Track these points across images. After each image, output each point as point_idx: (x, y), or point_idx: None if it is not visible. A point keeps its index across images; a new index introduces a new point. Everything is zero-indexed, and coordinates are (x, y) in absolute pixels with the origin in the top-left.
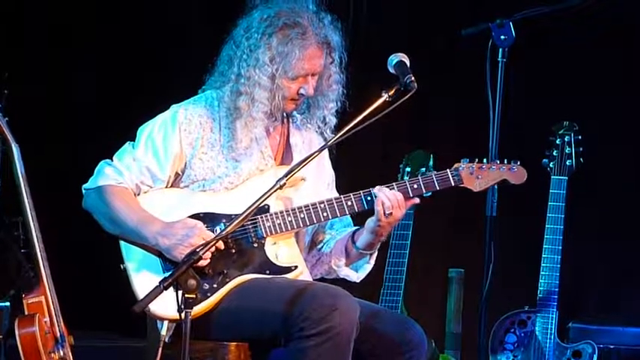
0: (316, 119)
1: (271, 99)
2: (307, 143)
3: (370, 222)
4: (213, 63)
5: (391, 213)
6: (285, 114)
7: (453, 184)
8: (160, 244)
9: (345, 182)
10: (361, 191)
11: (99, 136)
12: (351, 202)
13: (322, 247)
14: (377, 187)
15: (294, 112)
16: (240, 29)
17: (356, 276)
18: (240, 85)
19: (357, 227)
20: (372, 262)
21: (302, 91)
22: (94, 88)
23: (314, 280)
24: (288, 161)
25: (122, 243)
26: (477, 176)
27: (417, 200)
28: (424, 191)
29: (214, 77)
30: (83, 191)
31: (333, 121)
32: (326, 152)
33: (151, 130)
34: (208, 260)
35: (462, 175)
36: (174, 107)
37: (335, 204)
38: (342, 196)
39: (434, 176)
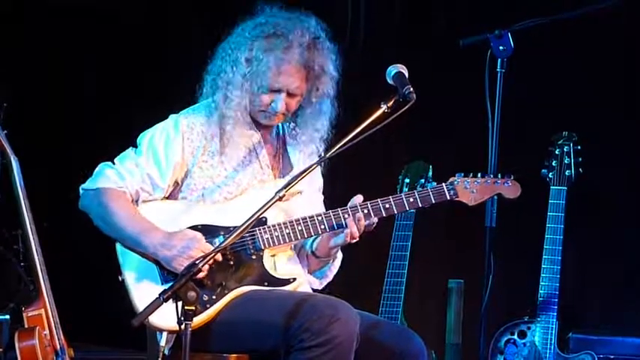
0: (305, 139)
1: (241, 99)
2: (304, 153)
3: (338, 239)
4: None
5: (355, 234)
6: (283, 125)
7: (448, 198)
8: (160, 255)
9: (343, 193)
10: (358, 205)
11: (99, 148)
12: (349, 214)
13: None
14: (387, 202)
15: (290, 124)
16: (239, 28)
17: (318, 283)
18: (219, 79)
19: (313, 238)
20: (335, 267)
21: (273, 104)
22: (94, 96)
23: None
24: (287, 171)
25: (119, 253)
26: (472, 190)
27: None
28: (420, 205)
29: (209, 75)
30: (81, 191)
31: (320, 148)
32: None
33: (154, 137)
34: (206, 272)
35: (457, 189)
36: (174, 116)
37: (332, 217)
38: (339, 209)
39: (430, 190)
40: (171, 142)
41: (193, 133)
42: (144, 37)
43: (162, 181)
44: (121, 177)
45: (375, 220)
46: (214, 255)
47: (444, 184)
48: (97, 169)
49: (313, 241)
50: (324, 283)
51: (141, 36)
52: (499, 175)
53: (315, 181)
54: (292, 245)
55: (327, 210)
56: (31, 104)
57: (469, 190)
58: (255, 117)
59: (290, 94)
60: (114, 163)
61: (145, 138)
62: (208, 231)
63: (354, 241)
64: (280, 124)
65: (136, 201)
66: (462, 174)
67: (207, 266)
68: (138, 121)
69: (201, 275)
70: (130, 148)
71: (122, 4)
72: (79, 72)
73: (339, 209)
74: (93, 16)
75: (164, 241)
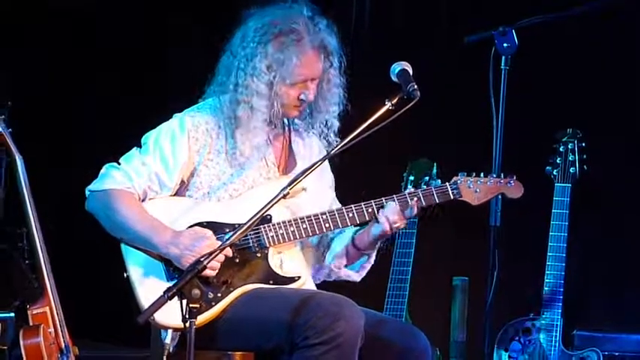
0: (319, 123)
1: (270, 107)
2: (309, 148)
3: (375, 229)
4: (212, 73)
5: (398, 226)
6: (287, 121)
7: (452, 198)
8: (171, 253)
9: (347, 191)
10: (362, 203)
11: (102, 147)
12: (353, 213)
13: (324, 259)
14: (391, 200)
15: (295, 120)
16: (236, 39)
17: (357, 275)
18: (239, 94)
19: (356, 229)
20: (372, 260)
21: (302, 96)
22: (97, 95)
23: (316, 284)
24: (292, 167)
25: (124, 250)
26: (476, 190)
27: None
28: (424, 204)
29: (213, 87)
30: (87, 193)
31: (335, 124)
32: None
33: (160, 136)
34: (217, 270)
35: (460, 189)
36: (179, 115)
37: (337, 215)
38: (343, 208)
39: (433, 190)
40: (178, 141)
41: (198, 131)
42: (144, 37)
43: (170, 179)
44: (129, 177)
45: (413, 211)
46: (219, 252)
47: (447, 183)
48: (102, 170)
49: (355, 232)
50: (363, 274)
51: (141, 36)
52: (502, 175)
53: (323, 178)
54: (297, 243)
55: (340, 206)
56: (36, 103)
57: (472, 189)
58: (287, 113)
59: (312, 80)
60: (119, 164)
61: (151, 137)
62: (214, 228)
63: (394, 230)
64: (286, 120)
65: (143, 200)
66: (465, 173)
67: (217, 264)
68: (141, 120)
69: (211, 273)
70: (135, 148)
71: (122, 4)
72: (81, 71)
73: (343, 208)
74: (94, 16)
75: (174, 239)
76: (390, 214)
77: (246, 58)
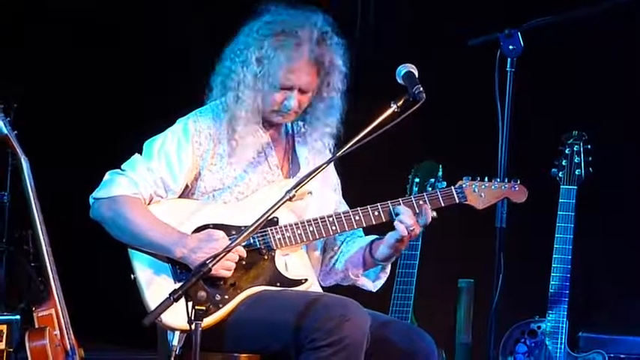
0: (316, 136)
1: (254, 99)
2: (313, 152)
3: (391, 237)
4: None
5: (414, 231)
6: (290, 125)
7: (457, 202)
8: (185, 257)
9: (353, 194)
10: (368, 206)
11: (106, 148)
12: (359, 216)
13: (334, 263)
14: (397, 203)
15: (299, 123)
16: (246, 28)
17: (373, 285)
18: (230, 80)
19: (374, 237)
20: (387, 271)
21: (286, 103)
22: (96, 97)
23: (327, 286)
24: (295, 171)
25: (131, 253)
26: (480, 194)
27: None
28: (430, 207)
29: (216, 76)
30: (91, 200)
31: (330, 142)
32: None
33: (164, 141)
34: (231, 271)
35: (466, 193)
36: (182, 120)
37: (343, 218)
38: (350, 211)
39: (439, 193)
40: (182, 146)
41: (201, 136)
42: (144, 37)
43: (175, 184)
44: (134, 183)
45: (427, 217)
46: (224, 255)
47: (453, 187)
48: (106, 176)
49: (372, 240)
50: (379, 285)
51: (141, 36)
52: (506, 180)
53: (328, 181)
54: (303, 246)
55: (347, 209)
56: (41, 105)
57: (477, 194)
58: (268, 117)
59: (302, 91)
60: (122, 170)
61: (156, 143)
62: (220, 230)
63: (410, 238)
64: (290, 124)
65: (148, 205)
66: (470, 177)
67: (233, 264)
68: (143, 119)
69: (226, 274)
70: (136, 154)
71: (122, 4)
72: (83, 72)
73: (349, 211)
74: (96, 18)
75: (187, 242)
76: (405, 218)
77: (244, 46)
